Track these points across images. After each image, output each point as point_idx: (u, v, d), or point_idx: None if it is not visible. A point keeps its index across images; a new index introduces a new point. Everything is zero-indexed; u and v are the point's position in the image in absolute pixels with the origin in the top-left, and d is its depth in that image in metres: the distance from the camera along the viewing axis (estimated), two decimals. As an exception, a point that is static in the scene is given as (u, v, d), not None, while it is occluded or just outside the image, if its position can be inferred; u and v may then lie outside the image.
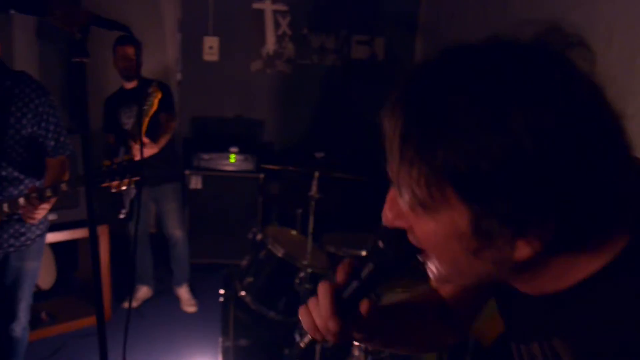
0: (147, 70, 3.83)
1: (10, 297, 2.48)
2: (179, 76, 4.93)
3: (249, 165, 4.52)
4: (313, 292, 2.59)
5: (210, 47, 4.88)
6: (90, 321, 3.64)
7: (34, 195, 2.12)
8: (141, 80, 3.63)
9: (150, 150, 3.36)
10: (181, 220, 3.85)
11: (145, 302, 3.97)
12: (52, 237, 3.27)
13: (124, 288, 3.93)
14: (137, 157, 2.49)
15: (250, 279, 2.84)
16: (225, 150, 4.49)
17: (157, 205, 3.80)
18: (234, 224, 4.46)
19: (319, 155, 2.83)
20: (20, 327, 2.56)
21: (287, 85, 5.13)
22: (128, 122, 3.56)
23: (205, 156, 4.47)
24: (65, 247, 3.76)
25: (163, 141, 3.49)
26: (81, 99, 1.18)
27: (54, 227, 3.17)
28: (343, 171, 2.82)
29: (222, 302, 2.94)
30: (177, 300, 3.97)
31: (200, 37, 4.88)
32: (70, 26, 1.10)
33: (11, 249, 2.37)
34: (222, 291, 2.94)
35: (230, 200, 4.47)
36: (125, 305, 3.86)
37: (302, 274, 2.72)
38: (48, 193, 2.13)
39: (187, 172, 4.41)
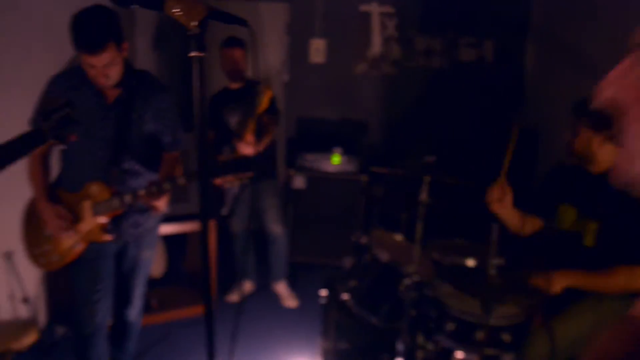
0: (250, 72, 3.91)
1: (126, 284, 2.63)
2: (285, 77, 5.02)
3: (352, 167, 4.51)
4: (418, 300, 2.50)
5: (317, 50, 4.93)
6: (195, 311, 3.78)
7: (154, 188, 2.23)
8: (247, 81, 3.72)
9: (251, 149, 3.41)
10: (281, 217, 3.89)
11: (248, 296, 4.06)
12: (163, 229, 3.42)
13: (227, 282, 4.05)
14: (243, 154, 2.55)
15: (353, 283, 2.81)
16: (328, 151, 4.51)
17: (256, 201, 3.87)
18: (335, 224, 4.47)
19: (430, 159, 2.74)
20: (134, 312, 2.70)
21: (392, 88, 5.07)
22: (233, 120, 3.66)
23: (309, 156, 4.51)
24: (175, 239, 3.94)
25: (263, 143, 3.55)
26: (200, 94, 1.19)
27: (166, 219, 3.32)
28: (453, 176, 2.73)
29: (323, 303, 2.93)
30: (278, 296, 4.03)
31: (307, 40, 4.94)
32: (188, 20, 1.10)
33: (130, 238, 2.51)
34: (323, 293, 2.93)
35: (333, 200, 4.48)
36: (228, 298, 3.99)
37: (407, 281, 2.66)
38: (167, 186, 2.23)
39: (291, 171, 4.48)
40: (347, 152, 4.56)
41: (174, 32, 4.79)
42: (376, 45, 5.00)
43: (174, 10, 1.10)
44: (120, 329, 2.72)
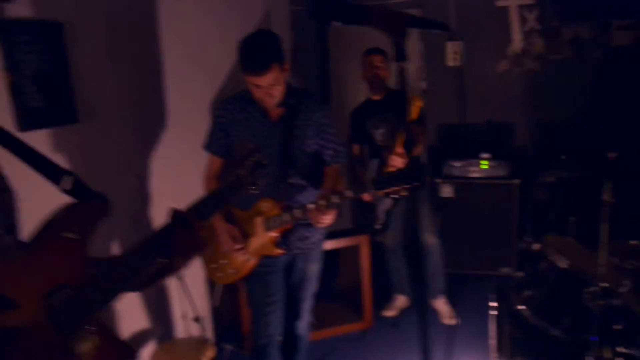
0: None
1: (295, 297, 2.68)
2: (423, 85, 4.91)
3: (502, 171, 4.28)
4: (604, 309, 2.22)
5: (454, 52, 4.77)
6: (352, 327, 3.76)
7: (323, 202, 2.24)
8: (388, 91, 3.66)
9: (402, 161, 3.30)
10: (434, 227, 3.75)
11: (403, 311, 3.96)
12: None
13: (382, 296, 3.98)
14: (394, 167, 2.48)
15: (528, 292, 2.61)
16: (475, 156, 4.32)
17: (409, 212, 3.73)
18: (489, 232, 4.25)
19: (612, 155, 2.49)
20: (303, 325, 2.75)
21: (538, 84, 4.75)
22: (378, 133, 3.61)
23: (455, 163, 4.35)
24: (328, 255, 3.94)
25: (415, 153, 3.43)
26: (407, 97, 1.17)
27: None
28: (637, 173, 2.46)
29: (495, 315, 2.76)
30: (434, 309, 3.89)
31: (442, 43, 4.81)
32: (389, 30, 1.08)
33: (297, 251, 2.57)
34: (494, 304, 2.77)
35: (484, 208, 4.27)
36: (384, 313, 3.91)
37: (592, 288, 2.41)
38: (335, 199, 2.23)
39: (438, 180, 4.34)
40: (495, 156, 4.33)
41: (303, 49, 4.91)
42: (517, 41, 4.73)
43: (378, 22, 1.09)
44: (290, 343, 2.76)
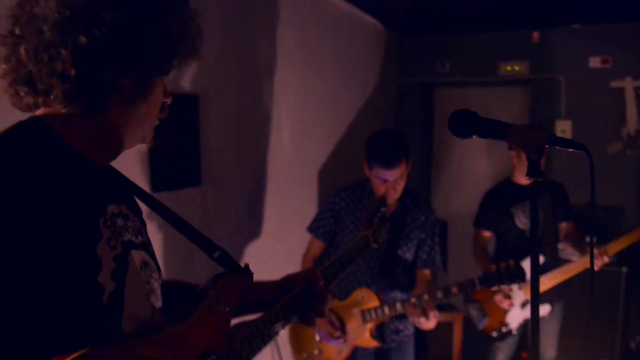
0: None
1: None
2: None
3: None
4: None
5: (563, 131, 4.68)
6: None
7: (425, 296, 2.24)
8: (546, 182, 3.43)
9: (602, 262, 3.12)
10: (557, 342, 3.45)
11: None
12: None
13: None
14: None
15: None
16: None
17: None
18: (591, 323, 4.03)
19: None
20: None
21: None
22: (525, 221, 3.21)
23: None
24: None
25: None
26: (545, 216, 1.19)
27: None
28: None
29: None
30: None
31: (551, 122, 4.73)
32: (526, 148, 1.15)
33: (393, 344, 2.55)
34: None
35: (587, 295, 4.05)
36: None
37: None
38: (439, 295, 2.24)
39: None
40: (601, 240, 4.13)
41: (409, 118, 4.99)
42: (631, 122, 4.57)
43: (515, 139, 1.15)
44: None
